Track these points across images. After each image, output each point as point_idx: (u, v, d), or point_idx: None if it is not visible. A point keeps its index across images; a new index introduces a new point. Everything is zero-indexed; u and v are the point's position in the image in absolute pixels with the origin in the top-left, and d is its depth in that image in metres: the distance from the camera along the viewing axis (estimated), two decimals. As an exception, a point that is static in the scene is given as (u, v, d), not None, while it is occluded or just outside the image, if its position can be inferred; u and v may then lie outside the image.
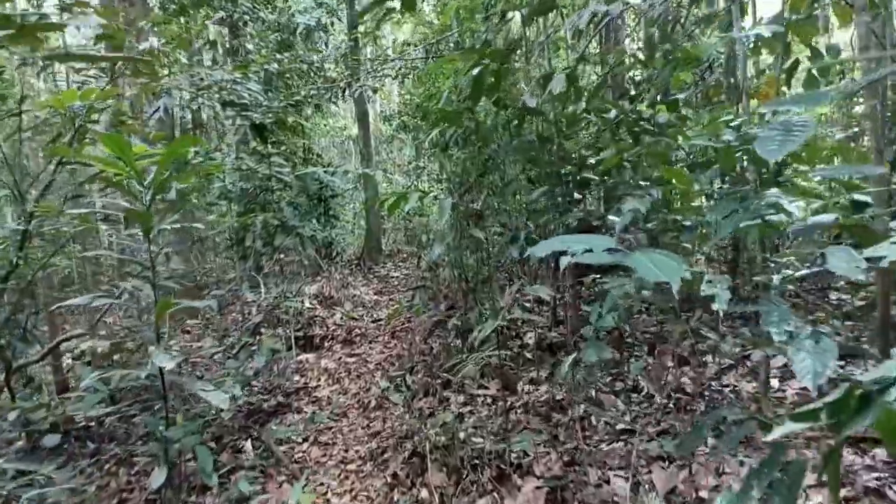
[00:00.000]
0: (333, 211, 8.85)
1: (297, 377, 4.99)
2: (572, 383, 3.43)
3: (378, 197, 2.66)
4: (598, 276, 3.69)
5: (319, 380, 4.94)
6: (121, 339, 3.53)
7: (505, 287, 4.60)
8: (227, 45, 5.97)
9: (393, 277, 8.48)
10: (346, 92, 6.64)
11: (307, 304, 6.62)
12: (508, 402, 3.54)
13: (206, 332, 6.39)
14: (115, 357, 3.63)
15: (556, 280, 4.46)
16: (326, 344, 5.85)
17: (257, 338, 5.20)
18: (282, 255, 7.72)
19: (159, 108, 5.82)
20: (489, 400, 3.72)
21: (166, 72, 4.81)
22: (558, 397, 3.41)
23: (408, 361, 4.67)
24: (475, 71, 2.87)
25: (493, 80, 2.86)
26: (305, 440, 3.87)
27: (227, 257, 6.28)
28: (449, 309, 5.84)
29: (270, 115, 4.92)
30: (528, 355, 4.13)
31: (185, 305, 2.77)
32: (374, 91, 7.35)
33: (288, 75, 5.47)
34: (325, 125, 16.28)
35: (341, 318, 6.36)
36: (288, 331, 5.59)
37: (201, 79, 5.00)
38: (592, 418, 3.12)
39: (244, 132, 4.88)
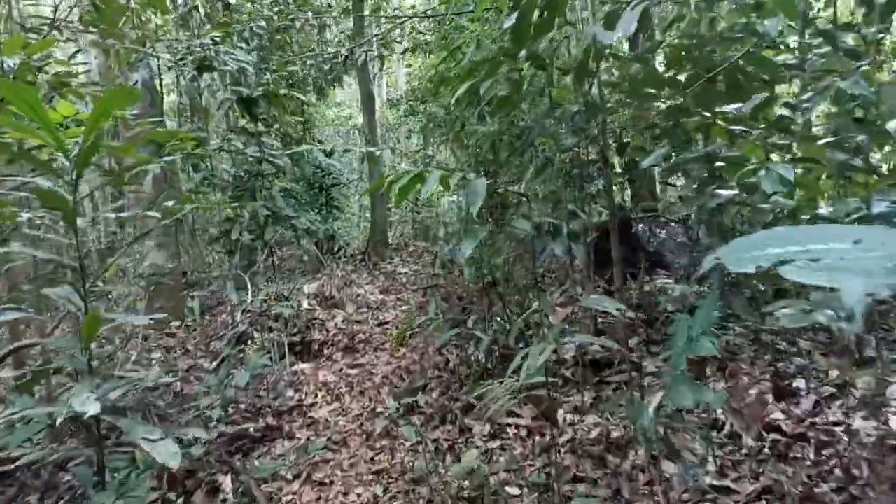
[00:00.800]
0: (336, 201, 8.15)
1: (290, 392, 4.30)
2: (631, 414, 2.71)
3: (385, 177, 1.88)
4: (662, 275, 2.97)
5: (317, 396, 4.25)
6: (41, 366, 2.82)
7: (538, 292, 3.88)
8: (213, 10, 5.28)
9: (401, 274, 7.77)
10: (349, 59, 5.89)
11: (305, 305, 5.92)
12: (548, 437, 2.82)
13: (190, 337, 5.71)
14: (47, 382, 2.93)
15: (590, 279, 3.74)
16: (326, 351, 5.15)
17: (244, 347, 4.51)
18: (278, 251, 7.02)
19: (136, 81, 5.11)
20: (523, 432, 3.01)
21: (137, 35, 4.09)
22: (613, 433, 2.69)
23: (420, 377, 3.96)
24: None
25: (545, 13, 2.13)
26: (297, 476, 3.18)
27: (218, 251, 5.59)
28: (465, 312, 5.13)
29: (261, 87, 4.20)
30: (568, 373, 3.41)
31: (132, 318, 2.06)
32: (382, 62, 6.57)
33: (280, 38, 4.75)
34: (328, 114, 15.57)
35: (343, 321, 5.66)
36: (282, 335, 4.90)
37: (182, 45, 4.28)
38: (664, 466, 2.40)
39: (230, 107, 4.16)
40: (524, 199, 2.46)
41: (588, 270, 3.77)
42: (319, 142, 8.07)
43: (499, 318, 4.44)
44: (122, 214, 2.61)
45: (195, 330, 5.84)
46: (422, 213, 12.32)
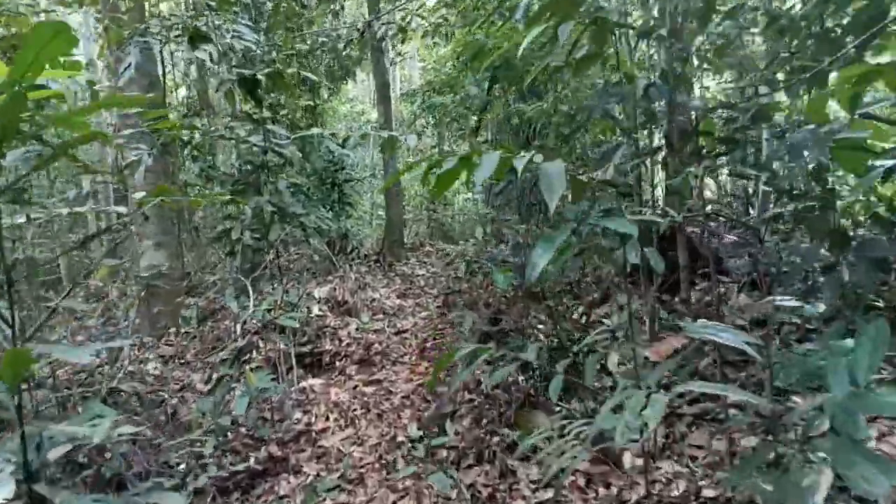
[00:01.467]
0: (349, 198, 7.62)
1: (297, 414, 3.77)
2: (727, 465, 2.15)
3: (419, 163, 1.28)
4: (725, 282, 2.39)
5: (328, 418, 3.71)
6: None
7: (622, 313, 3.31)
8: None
9: (418, 276, 7.22)
10: (367, 34, 5.34)
11: (316, 311, 5.40)
12: (617, 491, 2.26)
13: (189, 345, 5.21)
14: None
15: (647, 287, 3.17)
16: (338, 364, 4.61)
17: (246, 360, 3.98)
18: (286, 252, 6.50)
19: (129, 65, 4.59)
20: (581, 479, 2.44)
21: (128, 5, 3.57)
22: (706, 490, 2.12)
23: (448, 401, 3.41)
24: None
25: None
26: (304, 526, 2.64)
27: (221, 252, 5.07)
28: (494, 323, 4.57)
29: (265, 66, 3.66)
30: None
31: (73, 354, 1.52)
32: (403, 35, 6.00)
33: (287, 7, 4.20)
34: (341, 109, 15.03)
35: (357, 329, 5.12)
36: (289, 345, 4.38)
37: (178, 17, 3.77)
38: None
39: (229, 89, 3.63)
40: (614, 190, 1.90)
41: (647, 278, 3.19)
42: (332, 134, 7.53)
43: (538, 332, 3.88)
44: (79, 209, 2.09)
45: (195, 338, 5.34)
46: (438, 210, 11.78)
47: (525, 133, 7.27)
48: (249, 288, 3.40)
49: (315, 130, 3.70)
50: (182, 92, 9.61)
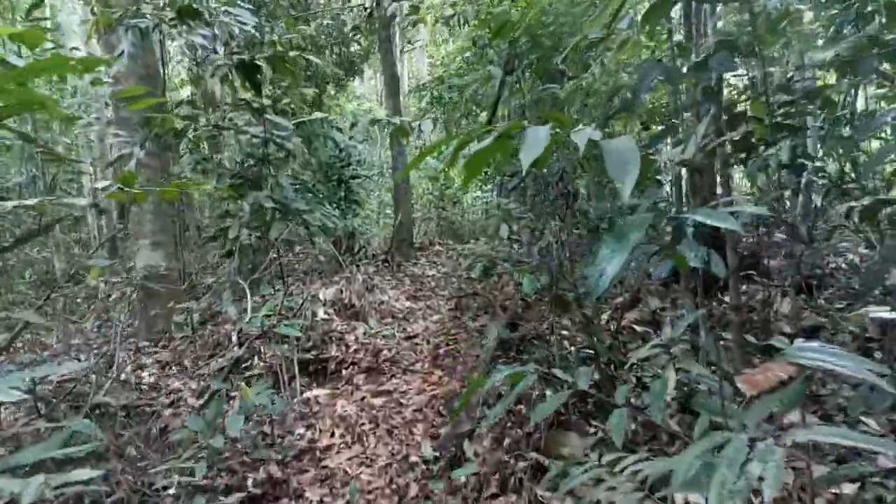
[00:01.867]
0: (355, 195, 7.31)
1: (300, 429, 3.45)
2: None
3: (441, 144, 0.92)
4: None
5: (333, 434, 3.39)
6: None
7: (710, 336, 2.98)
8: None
9: (428, 277, 6.90)
10: (375, 13, 5.01)
11: (321, 315, 5.09)
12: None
13: (188, 351, 4.91)
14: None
15: (696, 293, 2.83)
16: (345, 373, 4.30)
17: (246, 367, 3.68)
18: (290, 251, 6.20)
19: (122, 52, 4.30)
20: (624, 517, 2.10)
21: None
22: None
23: (466, 418, 3.08)
24: None
25: None
26: (305, 563, 2.33)
27: (218, 253, 4.77)
28: (512, 328, 4.24)
29: (264, 48, 3.35)
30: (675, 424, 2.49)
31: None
32: (415, 17, 5.67)
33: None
34: (348, 107, 14.73)
35: (365, 334, 4.80)
36: (292, 351, 4.07)
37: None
38: None
39: (226, 75, 3.32)
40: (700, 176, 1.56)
41: (698, 283, 2.85)
42: (338, 129, 7.23)
43: (564, 339, 3.54)
44: (28, 202, 1.78)
45: (194, 342, 5.05)
46: (447, 209, 11.45)
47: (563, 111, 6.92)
48: (248, 291, 3.09)
49: (318, 115, 3.38)
50: (188, 91, 9.34)
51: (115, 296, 6.42)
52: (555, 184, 3.13)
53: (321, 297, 5.44)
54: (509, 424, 2.90)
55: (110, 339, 5.70)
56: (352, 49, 10.58)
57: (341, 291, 5.46)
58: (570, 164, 3.77)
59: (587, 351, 3.02)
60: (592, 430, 2.61)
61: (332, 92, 11.72)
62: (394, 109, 7.54)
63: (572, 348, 3.29)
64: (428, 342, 4.76)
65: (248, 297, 3.06)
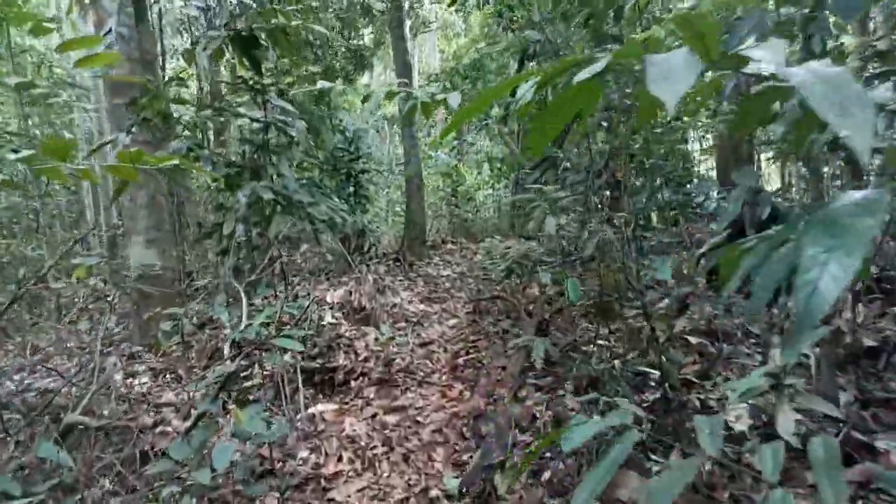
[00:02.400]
0: (365, 190, 6.89)
1: (304, 452, 3.03)
2: None
3: (522, 79, 0.45)
4: None
5: (341, 458, 2.97)
6: None
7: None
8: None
9: (442, 277, 6.47)
10: None
11: (328, 319, 4.67)
12: None
13: (185, 356, 4.51)
14: None
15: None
16: (354, 384, 3.88)
17: (239, 383, 3.26)
18: (296, 249, 5.79)
19: (110, 29, 3.91)
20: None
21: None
22: None
23: (496, 445, 2.64)
24: None
25: None
26: None
27: (214, 251, 4.36)
28: (540, 335, 3.79)
29: (262, 19, 2.93)
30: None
31: None
32: None
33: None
34: (356, 102, 14.33)
35: (376, 340, 4.38)
36: (295, 359, 3.66)
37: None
38: None
39: (220, 49, 2.91)
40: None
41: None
42: (342, 130, 6.81)
43: (605, 350, 3.09)
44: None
45: (190, 347, 4.65)
46: (460, 207, 11.02)
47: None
48: (243, 295, 2.67)
49: (324, 84, 2.94)
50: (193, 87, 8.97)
51: (107, 297, 6.05)
52: (602, 169, 2.67)
53: (328, 299, 5.02)
54: (549, 455, 2.46)
55: (103, 343, 5.33)
56: (360, 43, 10.17)
57: (350, 293, 5.04)
58: (617, 147, 3.30)
59: (642, 368, 2.57)
60: (653, 465, 2.16)
61: (341, 87, 11.34)
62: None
63: (616, 362, 2.84)
64: (445, 350, 4.32)
65: (244, 301, 2.64)
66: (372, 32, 10.49)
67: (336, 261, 5.96)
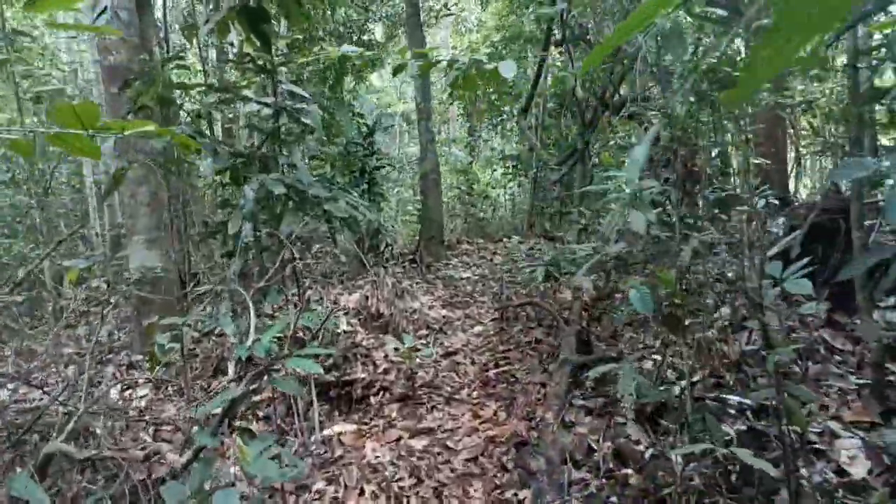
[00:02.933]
0: (380, 188, 6.51)
1: (320, 483, 2.65)
2: None
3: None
4: None
5: (362, 492, 2.58)
6: None
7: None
8: None
9: (462, 280, 6.06)
10: None
11: (344, 327, 4.29)
12: None
13: (188, 368, 4.14)
14: None
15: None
16: (374, 400, 3.49)
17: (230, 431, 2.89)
18: (307, 251, 5.42)
19: (104, 7, 3.57)
20: None
21: None
22: None
23: (547, 480, 2.23)
24: None
25: None
26: None
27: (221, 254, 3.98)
28: (585, 349, 3.38)
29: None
30: None
31: None
32: None
33: None
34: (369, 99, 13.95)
35: (396, 350, 3.99)
36: (308, 374, 3.28)
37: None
38: None
39: (224, 22, 2.53)
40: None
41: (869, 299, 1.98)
42: (360, 116, 6.44)
43: (666, 366, 2.67)
44: None
45: (195, 356, 4.29)
46: (478, 205, 10.61)
47: (601, 100, 6.03)
48: (250, 304, 2.29)
49: (348, 48, 2.54)
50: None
51: (104, 301, 5.70)
52: (672, 158, 2.26)
53: (343, 303, 4.64)
54: (613, 498, 2.05)
55: (103, 349, 4.98)
56: (370, 38, 9.78)
57: (366, 298, 4.66)
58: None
59: (727, 396, 2.16)
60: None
61: (352, 84, 10.98)
62: (422, 91, 6.71)
63: (683, 383, 2.42)
64: (472, 361, 3.92)
65: (252, 311, 2.26)
66: (385, 21, 10.09)
67: (350, 262, 5.58)
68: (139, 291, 4.25)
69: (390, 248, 6.04)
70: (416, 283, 5.72)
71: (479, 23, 15.14)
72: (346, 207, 2.68)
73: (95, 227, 8.13)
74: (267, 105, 2.86)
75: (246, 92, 2.83)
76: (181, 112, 3.23)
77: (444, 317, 4.81)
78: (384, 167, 6.73)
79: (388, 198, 7.17)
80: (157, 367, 2.78)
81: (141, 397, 3.97)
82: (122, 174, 3.00)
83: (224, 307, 2.63)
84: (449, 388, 3.55)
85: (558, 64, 9.57)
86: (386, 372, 3.80)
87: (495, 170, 12.30)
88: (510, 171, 11.57)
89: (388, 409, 3.36)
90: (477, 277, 6.23)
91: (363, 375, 3.74)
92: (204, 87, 2.77)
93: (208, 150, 2.62)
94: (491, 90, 12.13)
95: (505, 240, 8.80)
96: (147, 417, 3.75)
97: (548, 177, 10.09)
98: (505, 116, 11.14)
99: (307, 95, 2.97)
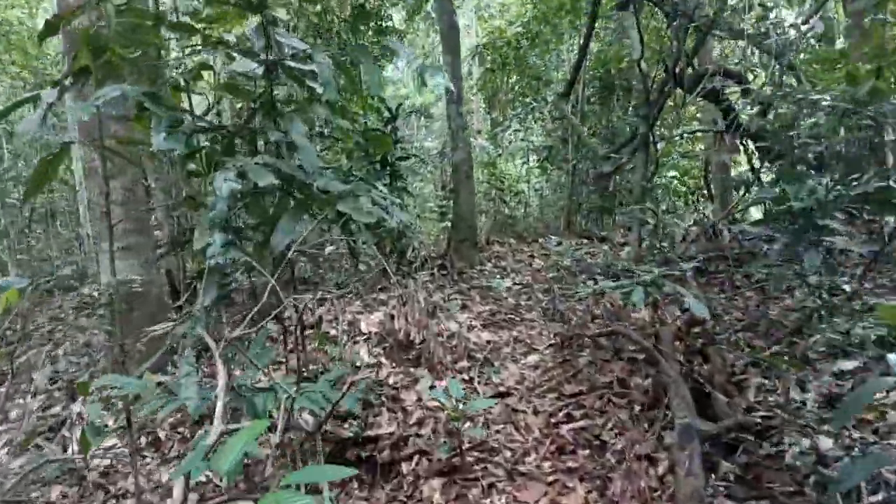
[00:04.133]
0: (404, 181, 5.57)
1: None
2: None
3: None
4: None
5: None
6: None
7: None
8: None
9: (502, 290, 5.09)
10: None
11: (365, 358, 3.36)
12: None
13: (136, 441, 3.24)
14: None
15: None
16: (405, 468, 2.56)
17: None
18: (314, 264, 4.51)
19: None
20: None
21: None
22: None
23: None
24: None
25: None
26: None
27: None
28: (702, 403, 2.42)
29: None
30: None
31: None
32: None
33: None
34: (384, 92, 12.91)
35: (431, 390, 3.05)
36: (312, 430, 2.36)
37: None
38: None
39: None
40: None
41: None
42: (381, 104, 5.50)
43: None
44: None
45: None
46: (509, 201, 9.62)
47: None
48: (220, 366, 1.38)
49: None
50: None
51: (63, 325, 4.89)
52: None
53: (363, 327, 3.72)
54: None
55: (67, 385, 4.14)
56: (388, 24, 8.82)
57: (392, 318, 3.73)
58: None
59: None
60: None
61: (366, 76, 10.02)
62: (452, 70, 5.75)
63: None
64: (535, 410, 2.96)
65: (223, 374, 1.36)
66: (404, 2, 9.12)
67: (371, 270, 4.66)
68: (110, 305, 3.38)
69: (417, 252, 5.10)
70: (449, 296, 4.77)
71: (503, 7, 14.14)
72: (370, 208, 1.75)
73: (87, 226, 7.32)
74: (254, 54, 1.93)
75: (225, 37, 1.90)
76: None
77: (487, 341, 3.85)
78: (409, 158, 5.78)
79: (412, 193, 6.23)
80: (90, 449, 1.86)
81: (107, 450, 3.09)
82: (57, 161, 2.10)
83: (183, 369, 1.71)
84: (509, 453, 2.60)
85: (604, 38, 8.53)
86: (420, 424, 2.87)
87: (525, 163, 11.28)
88: (541, 163, 10.55)
89: (426, 485, 2.43)
90: (519, 287, 5.26)
91: (391, 429, 2.82)
92: (153, 22, 1.85)
93: (163, 119, 1.71)
94: (516, 77, 11.11)
95: (541, 240, 7.82)
96: (109, 480, 2.89)
97: (586, 169, 9.08)
98: (535, 104, 10.11)
99: (309, 49, 2.04)
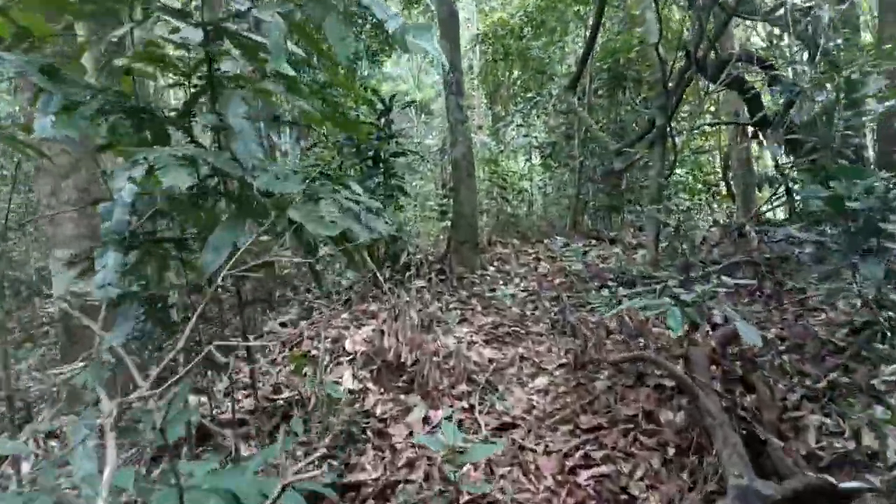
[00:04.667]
0: (399, 179, 5.13)
1: None
2: None
3: None
4: None
5: None
6: None
7: None
8: None
9: (506, 298, 4.62)
10: None
11: (349, 384, 2.91)
12: None
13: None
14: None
15: None
16: (392, 527, 2.11)
17: None
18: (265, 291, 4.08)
19: None
20: None
21: None
22: None
23: None
24: None
25: None
26: None
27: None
28: (756, 452, 1.95)
29: None
30: None
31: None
32: None
33: None
34: (382, 88, 12.46)
35: (426, 423, 2.60)
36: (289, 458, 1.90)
37: None
38: None
39: None
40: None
41: None
42: (375, 95, 5.06)
43: None
44: None
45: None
46: (512, 200, 9.15)
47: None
48: (109, 437, 0.94)
49: None
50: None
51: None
52: None
53: (348, 346, 3.26)
54: None
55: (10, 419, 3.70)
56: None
57: (382, 334, 3.28)
58: None
59: None
60: None
61: (365, 71, 9.66)
62: (450, 59, 5.29)
63: None
64: (546, 448, 2.50)
65: (112, 453, 0.93)
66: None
67: (360, 279, 4.21)
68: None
69: (412, 256, 4.64)
70: (448, 306, 4.31)
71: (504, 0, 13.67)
72: (333, 215, 1.29)
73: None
74: (185, 14, 1.47)
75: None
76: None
77: (489, 360, 3.39)
78: (405, 154, 5.33)
79: (408, 192, 5.78)
80: None
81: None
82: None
83: (82, 427, 1.26)
84: (515, 499, 2.15)
85: (611, 28, 8.06)
86: (411, 466, 2.42)
87: (529, 159, 10.81)
88: (544, 160, 10.07)
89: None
90: (524, 294, 4.80)
91: (376, 474, 2.37)
92: None
93: (52, 98, 1.27)
94: (519, 71, 10.63)
95: (546, 241, 7.35)
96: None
97: (593, 165, 8.61)
98: (538, 99, 9.62)
99: (254, 4, 1.58)
